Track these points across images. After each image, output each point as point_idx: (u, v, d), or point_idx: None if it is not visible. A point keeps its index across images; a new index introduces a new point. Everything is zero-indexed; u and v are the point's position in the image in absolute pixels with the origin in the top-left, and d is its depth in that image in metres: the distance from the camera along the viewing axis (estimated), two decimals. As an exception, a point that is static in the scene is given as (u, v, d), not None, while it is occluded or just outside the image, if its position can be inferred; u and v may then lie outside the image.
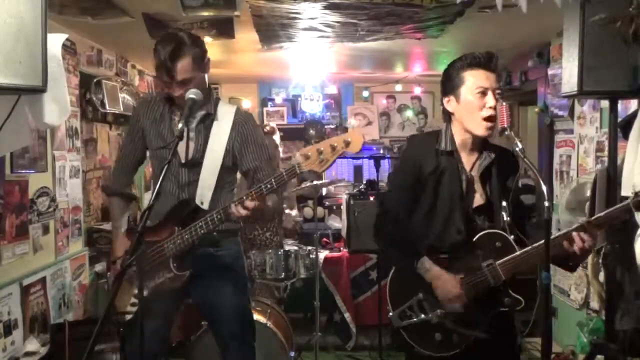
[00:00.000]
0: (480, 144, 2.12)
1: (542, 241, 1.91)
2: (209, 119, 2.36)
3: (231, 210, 2.08)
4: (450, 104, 2.12)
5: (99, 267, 4.08)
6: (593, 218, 1.93)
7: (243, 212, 2.06)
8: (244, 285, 2.52)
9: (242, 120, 2.39)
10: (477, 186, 2.11)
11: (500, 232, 2.03)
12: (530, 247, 1.97)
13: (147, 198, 5.05)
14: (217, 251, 2.39)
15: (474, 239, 2.05)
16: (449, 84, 2.11)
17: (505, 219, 2.03)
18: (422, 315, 2.04)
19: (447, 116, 2.15)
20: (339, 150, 1.96)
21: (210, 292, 2.40)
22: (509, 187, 2.10)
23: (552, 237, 1.91)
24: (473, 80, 2.04)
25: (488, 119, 2.02)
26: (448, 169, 2.10)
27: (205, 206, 2.26)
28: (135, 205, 2.76)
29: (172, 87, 2.25)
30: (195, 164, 2.32)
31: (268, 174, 2.31)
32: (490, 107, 2.01)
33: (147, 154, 2.51)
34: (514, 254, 2.00)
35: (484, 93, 2.03)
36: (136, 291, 2.27)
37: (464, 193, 2.09)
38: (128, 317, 2.29)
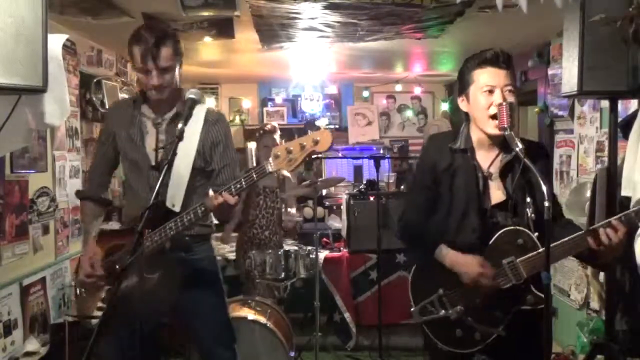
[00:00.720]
0: (500, 141, 2.06)
1: (565, 239, 1.90)
2: (178, 119, 2.32)
3: (210, 198, 2.06)
4: (463, 103, 2.13)
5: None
6: (622, 214, 1.89)
7: (216, 202, 2.04)
8: (219, 289, 2.49)
9: (212, 120, 2.37)
10: (497, 183, 2.07)
11: (523, 229, 1.99)
12: (552, 244, 1.88)
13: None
14: (190, 256, 2.36)
15: (495, 236, 2.02)
16: (461, 83, 2.12)
17: (529, 215, 1.99)
18: (442, 311, 2.04)
19: (465, 115, 2.16)
20: (308, 149, 1.96)
21: (186, 297, 2.37)
22: (534, 182, 2.01)
23: (577, 233, 1.91)
24: (481, 79, 2.04)
25: (495, 116, 1.99)
26: (462, 167, 2.09)
27: (177, 209, 2.23)
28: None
29: (152, 76, 2.22)
30: (167, 165, 2.29)
31: (230, 176, 2.33)
32: (497, 105, 1.98)
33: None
34: (536, 252, 1.95)
35: (491, 91, 2.02)
36: (103, 295, 2.27)
37: (480, 191, 2.07)
38: (94, 321, 2.28)
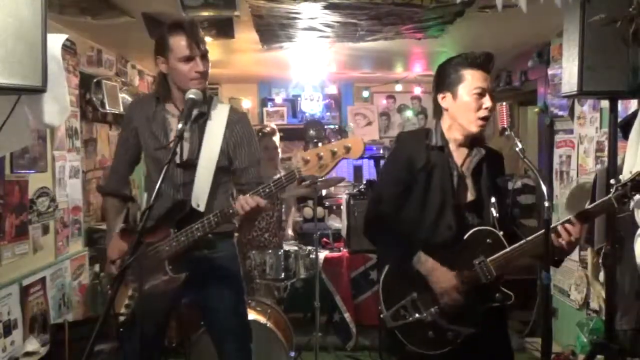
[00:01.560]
0: (470, 141, 2.13)
1: (530, 237, 1.96)
2: (202, 119, 2.33)
3: (234, 205, 2.06)
4: (445, 100, 2.14)
5: (98, 267, 4.08)
6: (578, 212, 1.95)
7: (247, 207, 2.03)
8: (239, 288, 2.50)
9: (236, 119, 2.37)
10: (468, 182, 2.12)
11: (491, 228, 2.04)
12: (518, 243, 1.99)
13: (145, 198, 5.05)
14: (213, 253, 2.37)
15: (466, 236, 2.05)
16: (446, 80, 2.13)
17: (494, 215, 2.04)
18: (417, 315, 2.04)
19: (439, 112, 2.18)
20: (339, 156, 1.95)
21: (206, 294, 2.38)
22: (497, 184, 2.12)
23: (537, 233, 1.96)
24: (472, 80, 2.07)
25: (484, 118, 2.06)
26: (439, 165, 2.11)
27: (202, 208, 2.24)
28: (135, 205, 2.74)
29: (197, 63, 2.23)
30: (190, 165, 2.28)
31: (255, 176, 2.32)
32: (486, 109, 2.05)
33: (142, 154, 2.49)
34: (504, 250, 2.01)
35: (481, 94, 2.06)
36: (130, 293, 2.27)
37: (455, 189, 2.10)
38: (123, 318, 2.29)
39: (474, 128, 2.07)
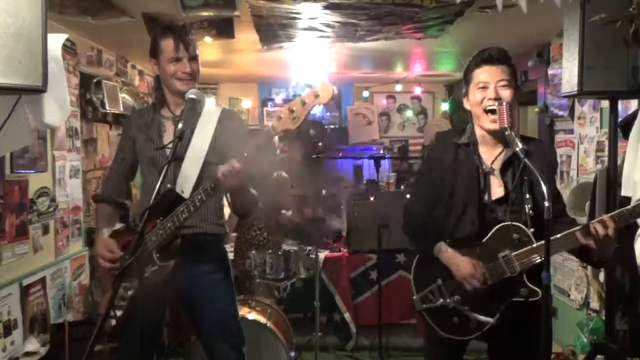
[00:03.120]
0: (502, 137, 2.11)
1: (558, 235, 1.96)
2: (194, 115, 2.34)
3: (218, 175, 2.05)
4: (466, 102, 2.22)
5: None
6: (616, 212, 1.94)
7: (225, 168, 2.02)
8: (230, 290, 2.48)
9: (228, 115, 2.42)
10: (498, 178, 2.14)
11: (519, 224, 2.06)
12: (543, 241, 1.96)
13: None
14: (203, 256, 2.36)
15: (492, 231, 2.09)
16: (464, 84, 2.21)
17: (527, 211, 2.04)
18: (441, 300, 2.15)
19: (469, 113, 2.24)
20: (310, 105, 1.97)
21: (196, 296, 2.37)
22: (534, 180, 2.04)
23: (570, 229, 1.97)
24: (476, 77, 2.13)
25: (491, 111, 2.07)
26: (465, 161, 2.16)
27: (186, 195, 2.22)
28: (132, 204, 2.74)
29: (184, 64, 2.30)
30: (179, 159, 2.29)
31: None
32: (490, 99, 2.07)
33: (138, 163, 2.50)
34: (530, 246, 2.03)
35: (484, 87, 2.10)
36: (122, 291, 2.26)
37: (481, 185, 2.14)
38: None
39: (486, 123, 2.10)
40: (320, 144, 6.44)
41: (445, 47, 4.54)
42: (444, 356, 2.27)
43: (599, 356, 2.49)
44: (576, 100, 3.90)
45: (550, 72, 4.17)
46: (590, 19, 2.25)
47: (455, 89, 6.70)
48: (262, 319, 3.36)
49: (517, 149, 1.97)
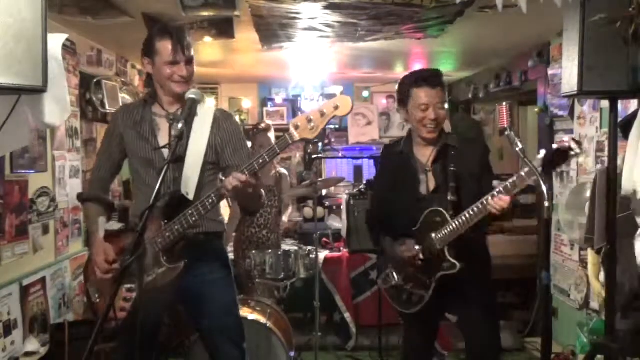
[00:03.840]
0: (432, 140, 2.53)
1: (464, 213, 2.31)
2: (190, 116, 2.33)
3: (224, 183, 2.07)
4: (402, 114, 2.62)
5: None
6: (508, 182, 2.22)
7: (234, 182, 2.03)
8: (231, 288, 2.48)
9: (222, 116, 2.40)
10: (430, 174, 2.53)
11: (440, 209, 2.41)
12: (457, 218, 2.35)
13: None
14: (202, 254, 2.36)
15: (422, 217, 2.47)
16: (400, 96, 2.59)
17: (449, 198, 2.42)
18: (393, 281, 2.59)
19: (405, 121, 2.66)
20: (329, 115, 2.02)
21: (197, 294, 2.37)
22: (455, 171, 2.46)
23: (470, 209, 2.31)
24: (417, 97, 2.48)
25: (430, 128, 2.48)
26: (403, 165, 2.58)
27: (190, 197, 2.23)
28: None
29: (181, 67, 2.28)
30: (178, 160, 2.26)
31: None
32: (430, 119, 2.46)
33: (125, 161, 2.47)
34: (446, 227, 2.37)
35: (425, 109, 2.46)
36: (125, 292, 2.26)
37: (415, 182, 2.53)
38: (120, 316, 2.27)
39: (424, 134, 2.51)
40: (320, 144, 6.44)
41: (445, 47, 4.54)
42: (411, 330, 2.75)
43: (599, 356, 2.49)
44: (576, 100, 3.90)
45: (550, 72, 4.17)
46: (590, 19, 2.25)
47: (455, 89, 6.70)
48: (262, 319, 3.37)
49: (517, 149, 2.08)
